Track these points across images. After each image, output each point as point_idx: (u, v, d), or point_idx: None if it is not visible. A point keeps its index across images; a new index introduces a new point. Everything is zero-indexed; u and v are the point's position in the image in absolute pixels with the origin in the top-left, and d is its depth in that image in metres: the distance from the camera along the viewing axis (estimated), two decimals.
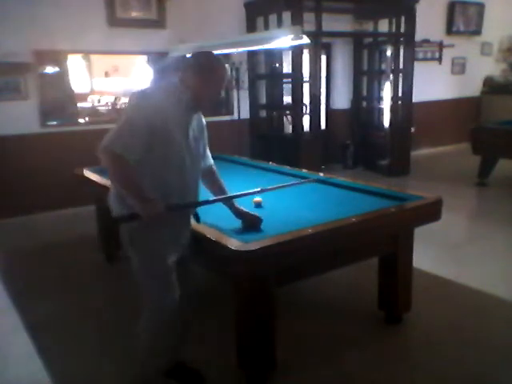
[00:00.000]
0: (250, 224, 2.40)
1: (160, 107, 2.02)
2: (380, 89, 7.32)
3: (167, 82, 2.18)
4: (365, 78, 7.58)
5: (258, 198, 2.79)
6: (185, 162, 2.10)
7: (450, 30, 8.40)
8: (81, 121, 6.05)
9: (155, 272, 2.17)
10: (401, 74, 6.82)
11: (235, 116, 6.25)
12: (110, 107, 9.16)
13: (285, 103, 6.81)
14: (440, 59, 8.30)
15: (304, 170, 3.69)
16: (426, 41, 7.95)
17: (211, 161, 2.45)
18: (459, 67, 8.78)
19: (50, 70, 5.46)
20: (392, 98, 6.82)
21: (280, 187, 2.64)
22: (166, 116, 2.02)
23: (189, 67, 2.09)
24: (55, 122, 5.41)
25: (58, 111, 5.44)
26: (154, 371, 2.33)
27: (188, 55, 2.28)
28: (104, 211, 3.53)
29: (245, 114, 6.36)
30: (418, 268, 3.32)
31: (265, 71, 6.56)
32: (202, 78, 2.06)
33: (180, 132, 2.07)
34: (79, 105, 7.84)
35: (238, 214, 2.43)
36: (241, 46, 4.47)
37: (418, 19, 6.64)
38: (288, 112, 6.67)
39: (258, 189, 2.42)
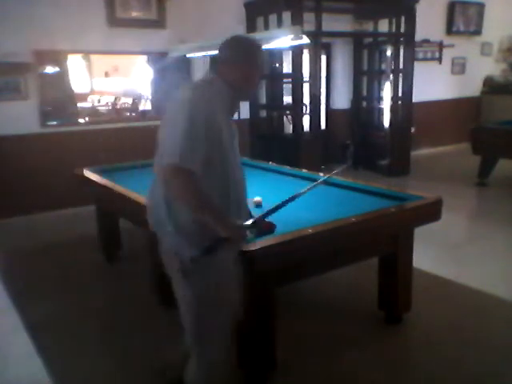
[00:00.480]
0: (262, 231, 2.19)
1: (210, 104, 1.77)
2: (380, 89, 7.32)
3: (202, 79, 1.93)
4: (365, 78, 7.57)
5: (257, 198, 2.79)
6: (235, 169, 1.87)
7: (450, 29, 8.40)
8: (81, 121, 6.06)
9: (224, 303, 1.91)
10: (401, 74, 6.82)
11: (235, 116, 6.24)
12: (110, 107, 9.18)
13: (285, 103, 6.81)
14: (440, 59, 8.30)
15: (304, 170, 3.69)
16: (426, 41, 7.94)
17: None
18: (459, 67, 8.78)
19: (50, 69, 5.47)
20: (392, 98, 6.82)
21: (309, 189, 2.32)
22: (217, 114, 1.78)
23: (228, 59, 1.87)
24: (55, 122, 5.41)
25: (58, 111, 5.45)
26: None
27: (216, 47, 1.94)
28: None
29: (245, 113, 6.36)
30: (418, 268, 3.32)
31: (265, 71, 6.56)
32: (246, 67, 1.86)
33: (227, 134, 1.82)
34: (79, 105, 7.87)
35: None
36: None
37: (418, 19, 6.64)
38: (288, 112, 6.67)
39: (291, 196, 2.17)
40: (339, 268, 2.72)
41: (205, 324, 1.91)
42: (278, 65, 6.49)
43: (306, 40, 3.75)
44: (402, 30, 6.70)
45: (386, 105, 6.95)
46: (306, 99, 6.26)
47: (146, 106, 8.58)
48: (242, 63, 1.87)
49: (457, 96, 8.75)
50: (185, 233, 1.81)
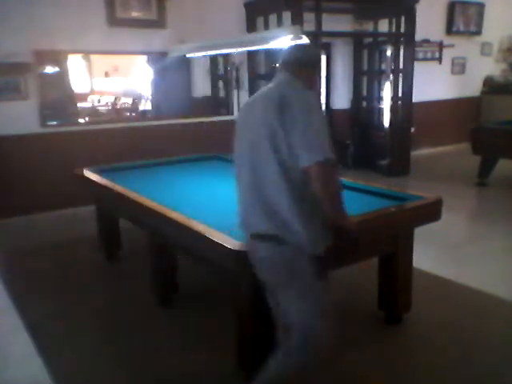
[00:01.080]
0: None
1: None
2: (380, 89, 7.32)
3: (282, 80, 2.04)
4: (365, 78, 7.58)
5: None
6: None
7: (450, 30, 8.40)
8: (81, 121, 6.07)
9: (324, 298, 1.96)
10: (401, 74, 6.82)
11: (235, 116, 6.25)
12: (110, 107, 9.18)
13: None
14: (440, 59, 8.30)
15: None
16: (426, 41, 7.94)
17: None
18: (459, 67, 8.78)
19: (50, 69, 5.48)
20: (392, 98, 6.82)
21: None
22: None
23: (303, 63, 2.03)
24: (55, 122, 5.41)
25: (58, 111, 5.44)
26: None
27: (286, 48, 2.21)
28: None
29: None
30: (418, 268, 3.32)
31: (265, 71, 6.56)
32: (315, 71, 2.08)
33: None
34: (79, 105, 7.87)
35: None
36: (241, 45, 4.47)
37: (418, 19, 6.64)
38: None
39: None
40: (339, 268, 2.71)
41: (319, 315, 1.94)
42: (277, 65, 6.48)
43: (305, 40, 3.75)
44: (402, 30, 6.69)
45: (385, 105, 6.95)
46: None
47: (146, 105, 8.60)
48: (314, 70, 2.08)
49: (457, 96, 8.75)
50: (314, 230, 1.88)
